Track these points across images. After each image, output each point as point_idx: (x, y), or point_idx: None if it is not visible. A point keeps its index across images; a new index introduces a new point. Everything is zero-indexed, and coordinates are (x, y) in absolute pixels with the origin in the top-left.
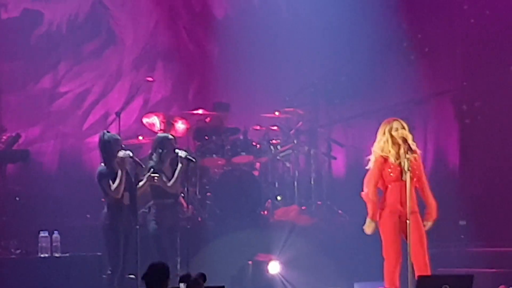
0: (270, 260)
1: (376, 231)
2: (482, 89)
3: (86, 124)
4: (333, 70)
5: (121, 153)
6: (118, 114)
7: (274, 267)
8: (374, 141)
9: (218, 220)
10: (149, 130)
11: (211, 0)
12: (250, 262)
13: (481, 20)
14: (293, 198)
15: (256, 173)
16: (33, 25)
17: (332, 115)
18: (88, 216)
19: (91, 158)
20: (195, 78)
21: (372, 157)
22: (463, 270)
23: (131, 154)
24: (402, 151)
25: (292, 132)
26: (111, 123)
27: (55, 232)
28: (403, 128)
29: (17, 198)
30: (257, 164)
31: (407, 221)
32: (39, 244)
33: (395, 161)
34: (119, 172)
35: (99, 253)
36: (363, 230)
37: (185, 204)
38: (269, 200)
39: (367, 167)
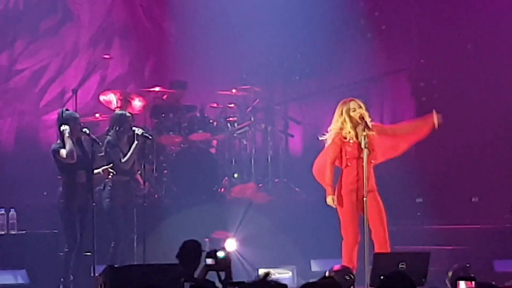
0: (227, 237)
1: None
2: (439, 66)
3: (43, 102)
4: (290, 48)
5: (63, 127)
6: (74, 92)
7: (231, 245)
8: (331, 118)
9: (175, 197)
10: (106, 108)
11: None
12: (207, 240)
13: None
14: (250, 176)
15: (213, 150)
16: None
17: (289, 93)
18: (45, 193)
19: (48, 136)
20: (152, 55)
21: (329, 136)
22: (420, 248)
23: (87, 131)
24: (359, 129)
25: (249, 109)
26: (68, 101)
27: (12, 209)
28: (360, 107)
29: None
30: (214, 142)
31: (364, 199)
32: None
33: (353, 139)
34: (68, 140)
35: (55, 231)
36: (320, 207)
37: (141, 182)
38: (226, 178)
39: (322, 138)
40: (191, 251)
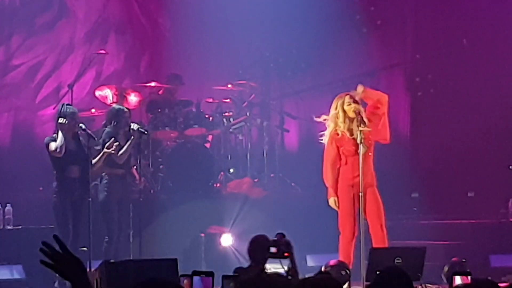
0: (223, 232)
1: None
2: (434, 61)
3: (39, 97)
4: (285, 43)
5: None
6: (70, 87)
7: (226, 240)
8: (326, 113)
9: (171, 192)
10: (101, 103)
11: None
12: (202, 235)
13: None
14: (245, 171)
15: (208, 145)
16: None
17: (284, 88)
18: (41, 189)
19: (44, 131)
20: (147, 50)
21: (326, 133)
22: (416, 243)
23: (83, 127)
24: (355, 125)
25: (244, 104)
26: (64, 96)
27: (8, 204)
28: (356, 102)
29: None
30: (210, 137)
31: (360, 194)
32: None
33: (350, 135)
34: (60, 133)
35: (51, 226)
36: (316, 202)
37: (137, 177)
38: (222, 173)
39: (320, 139)
40: (261, 245)
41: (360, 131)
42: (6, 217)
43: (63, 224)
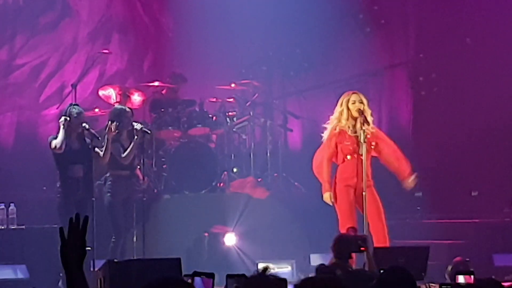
0: (226, 232)
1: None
2: (438, 61)
3: (43, 97)
4: (288, 43)
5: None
6: (74, 86)
7: (230, 239)
8: (330, 113)
9: (174, 192)
10: (105, 103)
11: None
12: (206, 234)
13: None
14: (249, 170)
15: (212, 145)
16: None
17: (288, 87)
18: (45, 188)
19: (48, 131)
20: (150, 50)
21: (328, 127)
22: (419, 242)
23: (87, 126)
24: (358, 124)
25: (248, 104)
26: (67, 96)
27: (11, 204)
28: (361, 102)
29: None
30: (213, 136)
31: (363, 193)
32: None
33: (351, 134)
34: (62, 130)
35: (55, 225)
36: (319, 202)
37: (141, 176)
38: (225, 172)
39: (322, 134)
40: (347, 241)
41: (363, 130)
42: (10, 216)
43: (66, 223)
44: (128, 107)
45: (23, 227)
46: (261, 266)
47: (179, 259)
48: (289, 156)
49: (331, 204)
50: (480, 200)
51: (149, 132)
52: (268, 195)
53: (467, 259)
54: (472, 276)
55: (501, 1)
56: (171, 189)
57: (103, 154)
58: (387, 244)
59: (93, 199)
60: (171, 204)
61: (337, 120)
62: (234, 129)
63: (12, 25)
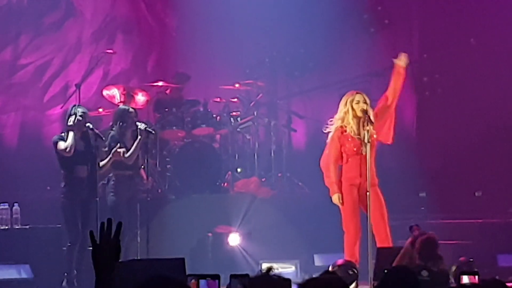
0: (230, 232)
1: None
2: (442, 61)
3: (47, 97)
4: (293, 43)
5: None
6: (78, 86)
7: (234, 239)
8: (334, 113)
9: (178, 192)
10: (109, 103)
11: None
12: (210, 234)
13: None
14: (253, 170)
15: (216, 145)
16: None
17: (292, 87)
18: (49, 188)
19: (52, 130)
20: (154, 50)
21: (332, 127)
22: None
23: (91, 126)
24: (361, 124)
25: (252, 104)
26: (71, 95)
27: (15, 204)
28: (365, 102)
29: None
30: (217, 136)
31: (367, 193)
32: None
33: (354, 134)
34: (71, 133)
35: (58, 225)
36: (323, 202)
37: (145, 176)
38: (229, 172)
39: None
40: (434, 244)
41: (367, 130)
42: (14, 216)
43: (73, 224)
44: (132, 107)
45: (27, 227)
46: (265, 266)
47: (183, 259)
48: (293, 156)
49: (340, 205)
50: (484, 200)
51: (153, 132)
52: (272, 195)
53: (471, 259)
54: (476, 277)
55: (505, 1)
56: (175, 189)
57: (102, 166)
58: (390, 244)
59: (97, 199)
60: (175, 204)
61: (341, 120)
62: (238, 129)
63: (16, 25)
